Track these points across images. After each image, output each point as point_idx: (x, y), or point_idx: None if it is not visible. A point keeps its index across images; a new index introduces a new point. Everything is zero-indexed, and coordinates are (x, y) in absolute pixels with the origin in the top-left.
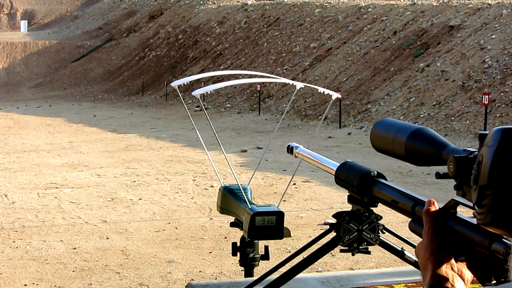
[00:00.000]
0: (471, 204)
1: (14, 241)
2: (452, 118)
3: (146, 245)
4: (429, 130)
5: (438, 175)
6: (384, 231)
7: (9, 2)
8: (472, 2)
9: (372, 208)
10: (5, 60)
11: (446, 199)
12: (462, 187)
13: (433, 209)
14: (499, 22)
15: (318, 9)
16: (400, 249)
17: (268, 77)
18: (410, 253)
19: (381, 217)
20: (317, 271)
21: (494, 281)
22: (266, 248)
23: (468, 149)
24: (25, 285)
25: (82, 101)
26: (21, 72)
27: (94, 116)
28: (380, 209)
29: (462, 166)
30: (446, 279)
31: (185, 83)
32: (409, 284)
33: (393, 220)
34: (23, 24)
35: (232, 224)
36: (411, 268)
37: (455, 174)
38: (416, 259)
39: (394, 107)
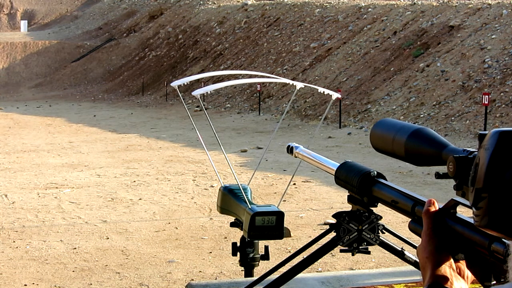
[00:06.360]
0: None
1: (14, 241)
2: (452, 118)
3: (146, 245)
4: (429, 130)
5: (438, 175)
6: (384, 231)
7: (9, 2)
8: (472, 2)
9: (372, 208)
10: (5, 60)
11: (446, 199)
12: (462, 187)
13: (433, 209)
14: (499, 22)
15: (318, 9)
16: (400, 249)
17: (268, 77)
18: (410, 253)
19: (381, 217)
20: (317, 271)
21: (494, 281)
22: (266, 248)
23: (468, 149)
24: (25, 285)
25: (82, 101)
26: (21, 72)
27: (94, 116)
28: (380, 209)
29: (461, 166)
30: (445, 279)
31: (185, 83)
32: (409, 284)
33: (393, 220)
34: (23, 24)
35: (232, 224)
36: (411, 268)
37: (454, 174)
38: (417, 259)
39: (394, 107)
